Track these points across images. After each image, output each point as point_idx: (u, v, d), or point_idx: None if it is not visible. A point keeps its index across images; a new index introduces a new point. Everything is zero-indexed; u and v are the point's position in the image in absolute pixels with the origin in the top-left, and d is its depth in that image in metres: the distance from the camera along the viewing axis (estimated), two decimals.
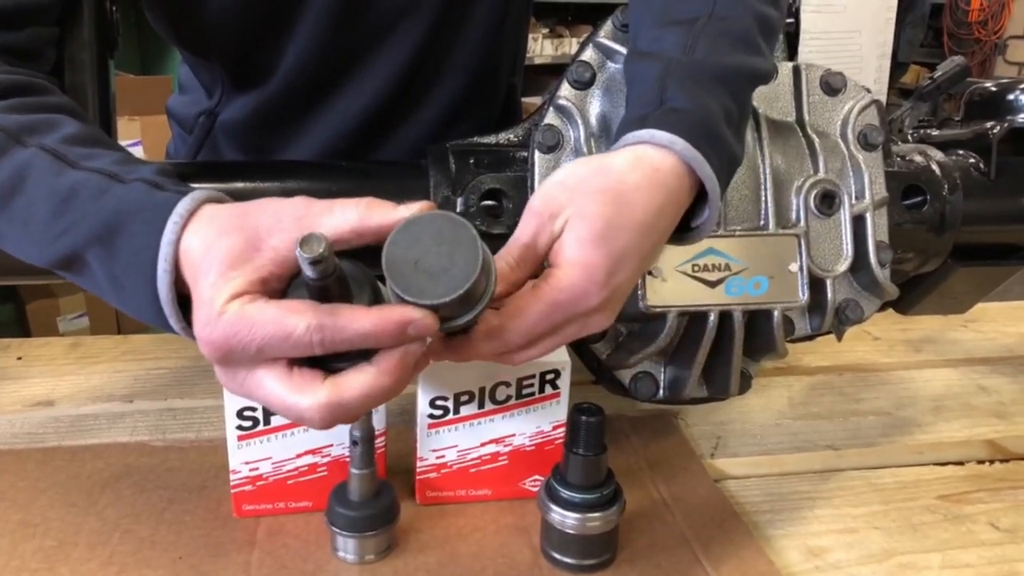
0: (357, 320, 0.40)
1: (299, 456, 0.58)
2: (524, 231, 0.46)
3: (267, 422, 0.57)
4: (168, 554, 0.55)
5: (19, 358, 0.83)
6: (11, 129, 0.49)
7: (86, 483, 0.63)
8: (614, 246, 0.45)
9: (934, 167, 0.70)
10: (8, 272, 0.59)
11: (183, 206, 0.43)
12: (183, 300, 0.44)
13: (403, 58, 0.74)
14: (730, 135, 0.50)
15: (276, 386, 0.41)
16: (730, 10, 0.54)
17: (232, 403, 0.56)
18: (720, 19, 0.53)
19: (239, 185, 0.64)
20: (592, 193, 0.46)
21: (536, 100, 0.74)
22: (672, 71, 0.50)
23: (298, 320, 0.39)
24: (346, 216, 0.42)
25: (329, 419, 0.41)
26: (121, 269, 0.45)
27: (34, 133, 0.50)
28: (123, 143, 0.60)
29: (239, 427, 0.57)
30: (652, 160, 0.47)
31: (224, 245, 0.42)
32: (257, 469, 0.58)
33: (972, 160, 0.72)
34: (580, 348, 0.64)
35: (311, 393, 0.41)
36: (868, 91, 0.67)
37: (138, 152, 2.24)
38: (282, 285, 0.42)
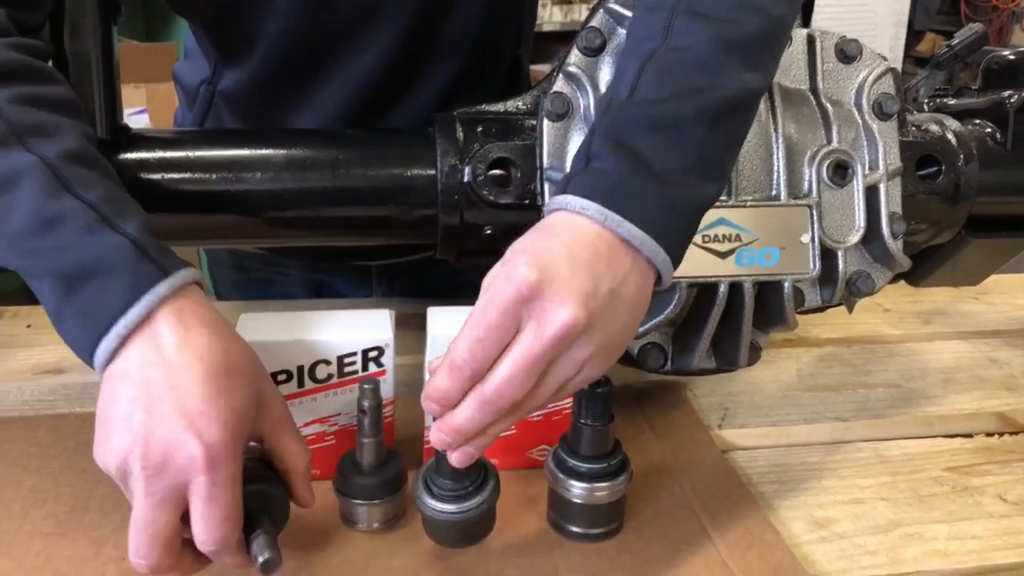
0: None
1: (307, 424, 0.58)
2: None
3: None
4: None
5: (28, 326, 0.84)
6: (16, 125, 0.50)
7: None
8: (538, 248, 0.45)
9: (950, 137, 0.69)
10: None
11: (161, 289, 0.46)
12: None
13: (392, 38, 0.72)
14: (676, 178, 0.47)
15: None
16: (687, 36, 0.50)
17: None
18: (674, 50, 0.50)
19: (244, 152, 0.64)
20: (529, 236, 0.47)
21: (545, 68, 0.73)
22: (599, 123, 0.49)
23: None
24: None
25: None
26: (72, 311, 0.46)
27: (38, 136, 0.50)
28: (128, 111, 0.60)
29: None
30: (573, 223, 0.46)
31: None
32: None
33: (989, 130, 0.71)
34: None
35: None
36: (884, 59, 0.66)
37: (143, 120, 2.23)
38: None
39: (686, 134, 0.48)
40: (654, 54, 0.50)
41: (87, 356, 0.47)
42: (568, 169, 0.61)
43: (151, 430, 0.44)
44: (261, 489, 0.49)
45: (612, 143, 0.48)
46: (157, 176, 0.62)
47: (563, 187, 0.48)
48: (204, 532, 0.44)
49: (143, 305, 0.45)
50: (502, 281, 0.44)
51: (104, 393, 0.46)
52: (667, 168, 0.47)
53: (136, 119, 2.19)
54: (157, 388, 0.45)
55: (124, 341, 0.45)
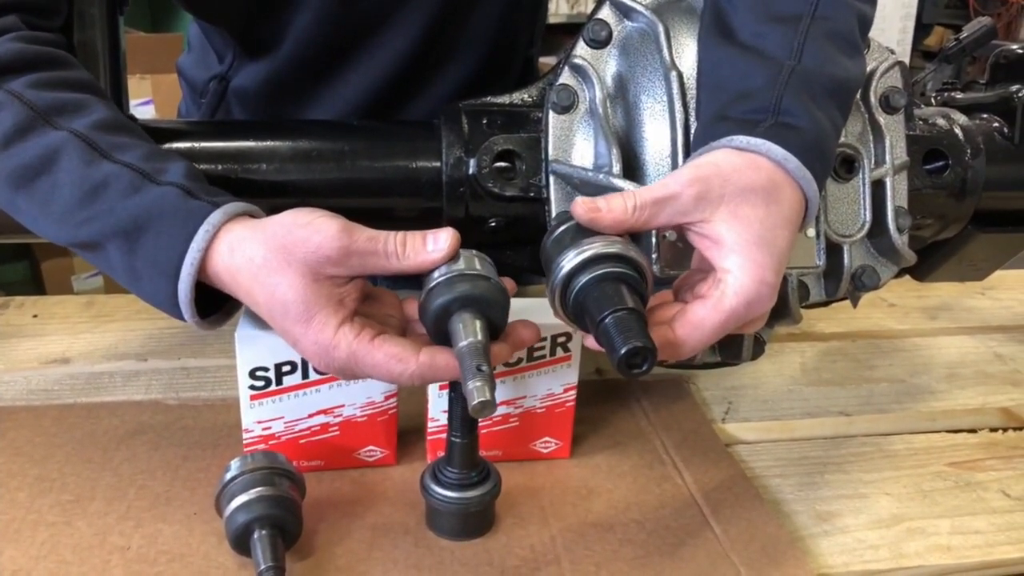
0: (450, 368, 0.48)
1: (311, 416, 0.59)
2: (660, 190, 0.46)
3: (279, 382, 0.57)
4: (183, 510, 0.56)
5: (35, 316, 0.84)
6: (40, 108, 0.51)
7: (102, 439, 0.63)
8: (775, 246, 0.46)
9: (957, 131, 0.68)
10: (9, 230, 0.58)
11: (216, 217, 0.48)
12: (202, 292, 0.49)
13: (415, 33, 0.72)
14: (834, 147, 0.52)
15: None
16: (833, 9, 0.54)
17: (245, 363, 0.56)
18: (823, 18, 0.53)
19: (251, 144, 0.64)
20: (745, 191, 0.46)
21: (551, 60, 0.72)
22: (786, 80, 0.51)
23: (403, 368, 0.47)
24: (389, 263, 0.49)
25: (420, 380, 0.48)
26: (142, 264, 0.49)
27: (64, 114, 0.51)
28: (134, 102, 0.60)
29: (251, 387, 0.57)
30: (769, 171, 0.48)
31: (288, 284, 0.47)
32: (269, 428, 0.59)
33: (996, 124, 0.71)
34: None
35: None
36: (891, 52, 0.65)
37: (149, 111, 2.23)
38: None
39: (846, 106, 0.55)
40: (802, 17, 0.54)
41: (171, 307, 0.49)
42: (575, 160, 0.61)
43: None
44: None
45: (806, 99, 0.50)
46: None
47: (740, 129, 0.49)
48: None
49: (202, 238, 0.47)
50: (755, 288, 0.45)
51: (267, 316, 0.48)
52: (836, 136, 0.53)
53: (142, 110, 2.19)
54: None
55: (197, 273, 0.47)
